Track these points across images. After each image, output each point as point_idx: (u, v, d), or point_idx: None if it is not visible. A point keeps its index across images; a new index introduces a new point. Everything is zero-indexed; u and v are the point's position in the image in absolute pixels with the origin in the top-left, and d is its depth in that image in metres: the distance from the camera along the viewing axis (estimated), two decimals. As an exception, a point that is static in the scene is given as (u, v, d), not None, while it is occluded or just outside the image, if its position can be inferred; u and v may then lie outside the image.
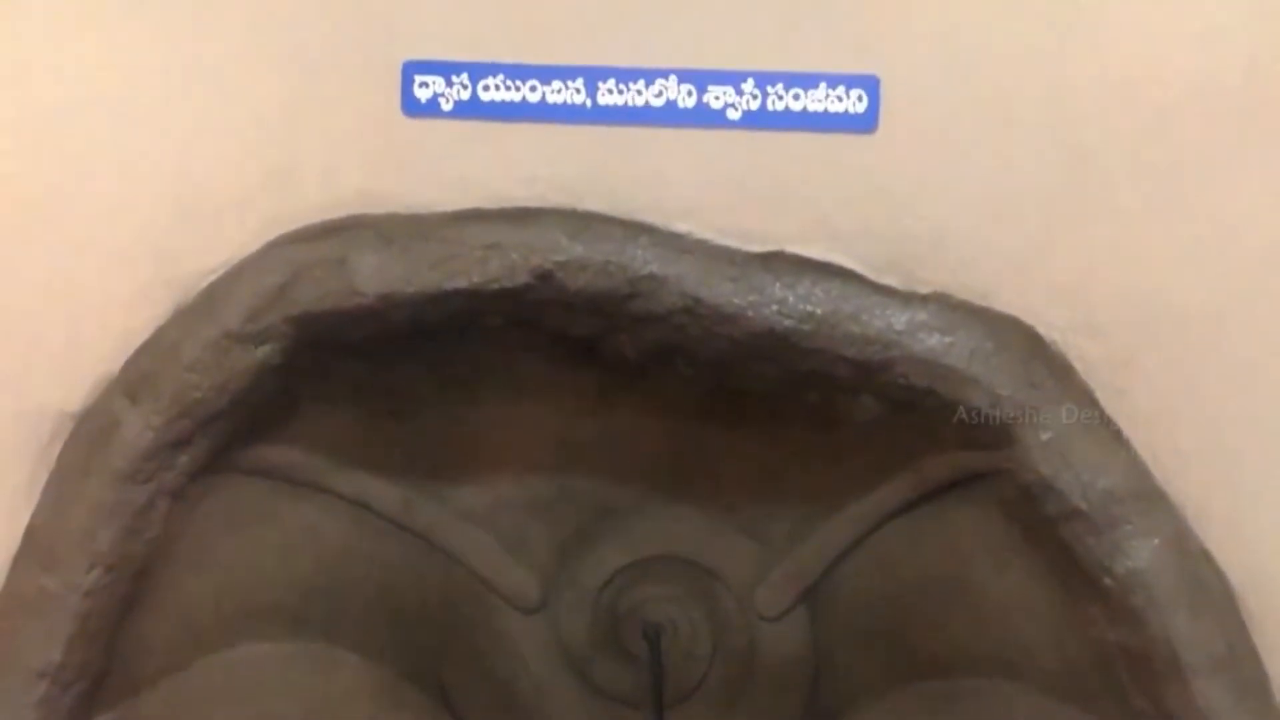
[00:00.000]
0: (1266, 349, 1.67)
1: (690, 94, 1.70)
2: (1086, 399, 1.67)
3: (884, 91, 1.68)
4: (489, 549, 2.01)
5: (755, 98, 1.70)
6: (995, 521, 1.80)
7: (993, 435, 1.68)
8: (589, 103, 1.71)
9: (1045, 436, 1.65)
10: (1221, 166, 1.66)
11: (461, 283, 1.70)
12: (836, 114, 1.69)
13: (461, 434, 1.97)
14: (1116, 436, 1.66)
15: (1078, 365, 1.68)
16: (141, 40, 1.73)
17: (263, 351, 1.71)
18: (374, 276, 1.70)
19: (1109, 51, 1.66)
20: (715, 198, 1.72)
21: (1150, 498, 1.66)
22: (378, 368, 1.87)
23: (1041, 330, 1.69)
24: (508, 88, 1.71)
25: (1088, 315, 1.68)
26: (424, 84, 1.71)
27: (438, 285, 1.70)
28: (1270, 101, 1.65)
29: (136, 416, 1.71)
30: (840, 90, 1.68)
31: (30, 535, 1.75)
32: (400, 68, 1.71)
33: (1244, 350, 1.68)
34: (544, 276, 1.70)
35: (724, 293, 1.70)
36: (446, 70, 1.71)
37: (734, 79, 1.70)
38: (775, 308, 1.70)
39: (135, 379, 1.72)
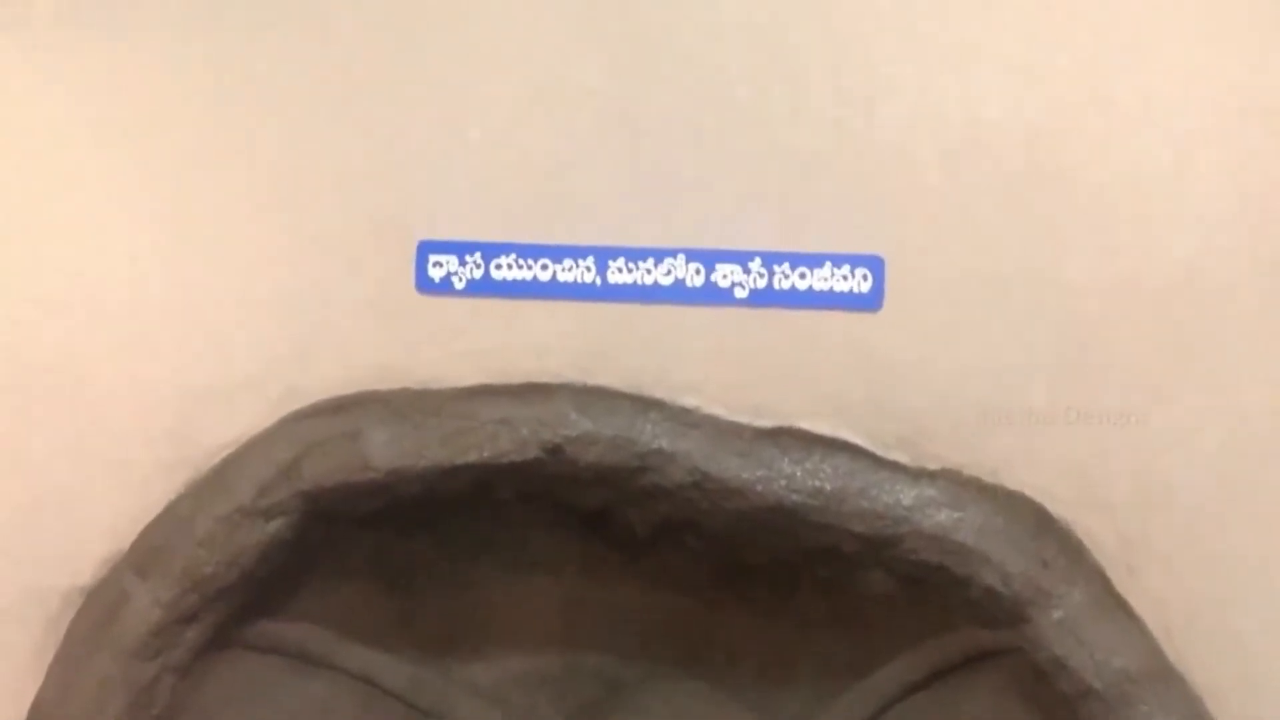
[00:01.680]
0: (1276, 528, 1.67)
1: (698, 272, 1.74)
2: (1097, 577, 1.66)
3: (889, 271, 1.71)
4: (499, 726, 1.98)
5: (762, 276, 1.73)
6: (1010, 699, 1.77)
7: (1005, 613, 1.67)
8: (599, 281, 1.74)
9: (1058, 615, 1.63)
10: (1225, 347, 1.68)
11: (472, 457, 1.72)
12: (842, 293, 1.72)
13: (470, 608, 1.96)
14: (1129, 615, 1.65)
15: (1087, 543, 1.68)
16: (161, 222, 1.78)
17: (273, 526, 1.72)
18: (385, 451, 1.71)
19: (1108, 236, 1.69)
20: (723, 374, 1.74)
21: (1164, 677, 1.63)
22: (387, 542, 1.87)
23: (1050, 507, 1.68)
24: (519, 266, 1.75)
25: (1096, 493, 1.68)
26: (438, 263, 1.75)
27: (449, 460, 1.72)
28: (1271, 286, 1.68)
29: (145, 592, 1.71)
30: (845, 269, 1.72)
31: (36, 711, 1.74)
32: (415, 247, 1.76)
33: (1253, 529, 1.66)
34: (554, 451, 1.72)
35: (732, 468, 1.71)
36: (460, 249, 1.75)
37: (741, 258, 1.73)
38: (784, 483, 1.70)
39: (145, 554, 1.72)
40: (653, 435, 1.72)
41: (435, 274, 1.75)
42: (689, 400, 1.74)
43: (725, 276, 1.73)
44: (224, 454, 1.74)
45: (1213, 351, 1.68)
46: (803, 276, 1.73)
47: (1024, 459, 1.70)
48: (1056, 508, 1.69)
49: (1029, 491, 1.69)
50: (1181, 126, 1.69)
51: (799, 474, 1.70)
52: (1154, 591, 1.66)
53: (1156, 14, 1.71)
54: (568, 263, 1.74)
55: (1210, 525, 1.67)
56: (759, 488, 1.70)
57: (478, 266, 1.75)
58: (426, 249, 1.75)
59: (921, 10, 1.72)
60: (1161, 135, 1.69)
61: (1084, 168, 1.70)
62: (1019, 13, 1.72)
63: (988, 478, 1.70)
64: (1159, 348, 1.68)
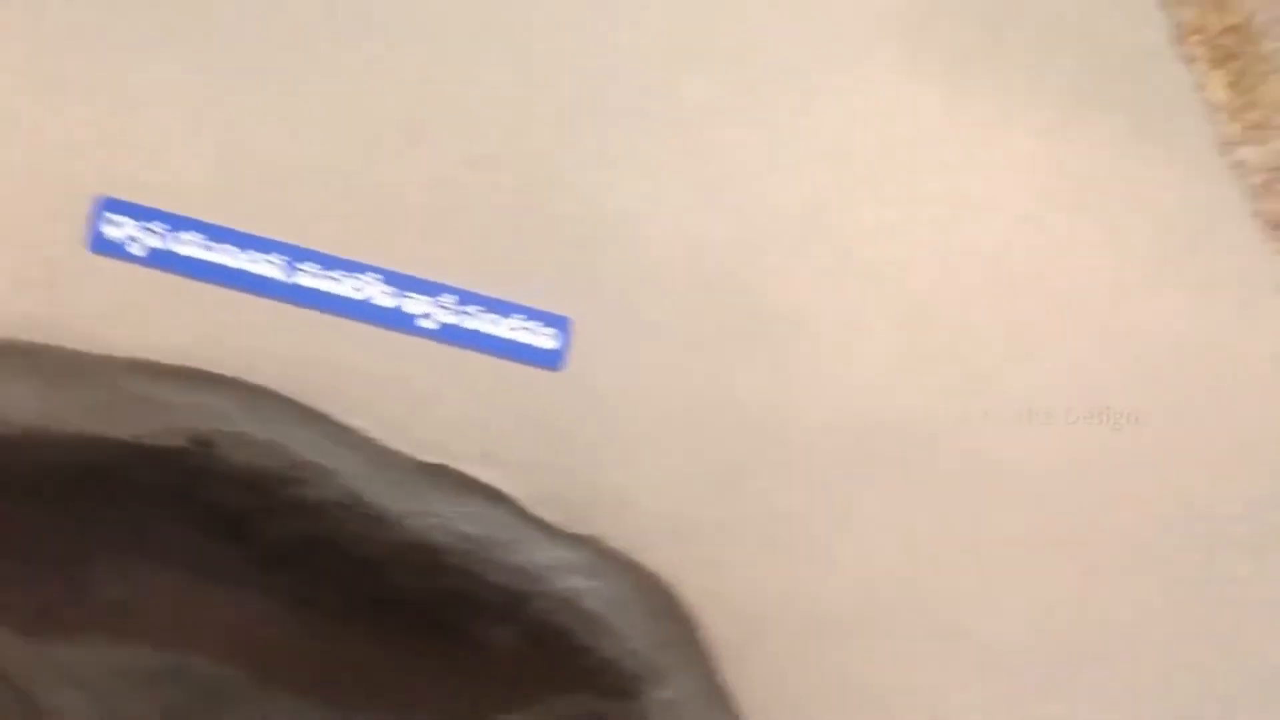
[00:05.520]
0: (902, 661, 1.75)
1: (388, 295, 1.70)
2: (712, 667, 1.70)
3: (575, 334, 1.72)
4: (81, 714, 1.86)
5: (452, 312, 1.71)
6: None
7: (619, 685, 1.68)
8: (285, 280, 1.69)
9: (666, 695, 1.66)
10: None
11: (114, 433, 1.63)
12: (526, 345, 1.72)
13: (77, 588, 1.85)
14: (732, 711, 1.69)
15: (711, 633, 1.71)
16: None
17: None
18: (22, 407, 1.61)
19: (793, 342, 1.76)
20: (395, 401, 1.72)
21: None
22: (4, 506, 1.75)
23: (682, 593, 1.72)
24: (204, 247, 1.68)
25: (729, 591, 1.73)
26: (115, 223, 1.66)
27: (89, 430, 1.62)
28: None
29: None
30: (535, 324, 1.72)
31: None
32: (91, 202, 1.66)
33: (877, 661, 1.75)
34: (203, 443, 1.65)
35: (385, 496, 1.68)
36: (142, 215, 1.67)
37: (435, 290, 1.71)
38: (432, 520, 1.68)
39: None
40: (309, 447, 1.67)
41: (111, 233, 1.66)
42: (355, 420, 1.70)
43: (415, 304, 1.71)
44: None
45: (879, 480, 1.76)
46: (493, 322, 1.72)
47: (670, 545, 1.73)
48: (688, 594, 1.72)
49: (666, 575, 1.72)
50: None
51: (449, 514, 1.69)
52: (760, 695, 1.71)
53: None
54: (255, 254, 1.68)
55: (838, 646, 1.74)
56: (406, 521, 1.68)
57: (159, 237, 1.67)
58: (104, 206, 1.66)
59: (640, 79, 1.77)
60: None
61: (783, 267, 1.77)
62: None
63: (631, 553, 1.72)
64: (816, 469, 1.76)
